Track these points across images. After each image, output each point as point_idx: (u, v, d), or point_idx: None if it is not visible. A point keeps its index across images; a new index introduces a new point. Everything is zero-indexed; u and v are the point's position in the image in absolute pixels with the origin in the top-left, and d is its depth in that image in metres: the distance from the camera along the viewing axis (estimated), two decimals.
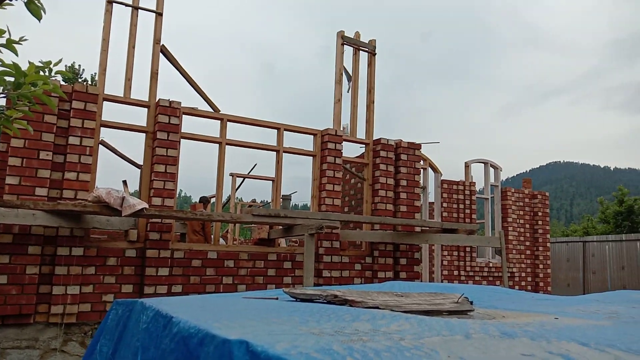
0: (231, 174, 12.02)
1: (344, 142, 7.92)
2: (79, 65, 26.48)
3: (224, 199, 14.05)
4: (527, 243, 12.05)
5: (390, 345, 0.99)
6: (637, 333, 1.27)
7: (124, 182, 11.53)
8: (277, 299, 2.12)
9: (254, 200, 19.45)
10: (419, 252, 8.24)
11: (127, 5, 6.48)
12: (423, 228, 8.16)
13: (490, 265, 11.27)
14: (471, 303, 1.89)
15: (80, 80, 26.41)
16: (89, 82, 25.58)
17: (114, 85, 6.53)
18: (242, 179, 12.26)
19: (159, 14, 6.68)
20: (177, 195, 6.70)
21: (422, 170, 11.05)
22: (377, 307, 1.67)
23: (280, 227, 6.82)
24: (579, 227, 21.64)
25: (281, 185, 7.51)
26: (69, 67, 25.64)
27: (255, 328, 1.30)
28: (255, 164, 12.20)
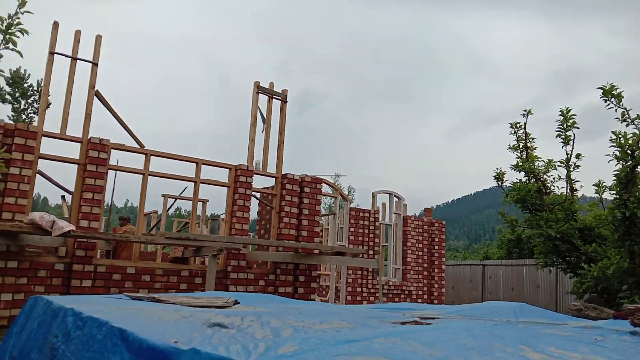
0: (163, 195, 13.14)
1: (258, 175, 9.33)
2: (25, 70, 26.86)
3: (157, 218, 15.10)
4: (425, 265, 13.77)
5: (166, 310, 2.33)
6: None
7: (63, 197, 12.44)
8: (121, 298, 3.42)
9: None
10: (316, 270, 9.69)
11: (67, 56, 7.67)
12: (321, 250, 9.63)
13: (390, 283, 12.88)
14: (237, 302, 3.26)
15: (26, 85, 26.79)
16: (35, 87, 26.07)
17: (54, 122, 7.64)
18: (173, 200, 13.39)
19: (94, 64, 7.90)
20: (104, 216, 7.80)
21: (334, 198, 12.60)
22: (174, 303, 3.01)
23: (192, 248, 8.09)
24: (482, 252, 23.98)
25: (196, 210, 8.81)
26: (14, 71, 25.94)
27: (109, 311, 2.63)
28: (186, 187, 13.34)
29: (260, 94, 9.63)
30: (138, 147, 8.28)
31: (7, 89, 26.52)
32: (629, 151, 5.97)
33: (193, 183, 8.72)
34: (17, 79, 26.97)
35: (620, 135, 6.37)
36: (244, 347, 1.46)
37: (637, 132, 6.11)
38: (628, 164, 6.06)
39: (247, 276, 8.78)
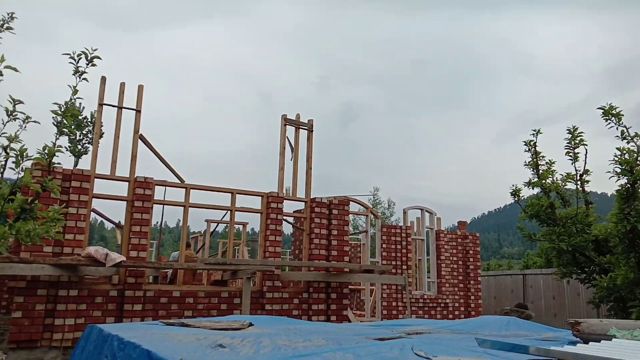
0: (206, 220, 14.08)
1: (288, 200, 10.05)
2: (80, 103, 28.96)
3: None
4: (460, 277, 14.03)
5: (188, 334, 3.00)
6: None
7: (117, 224, 13.61)
8: (157, 324, 4.13)
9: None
10: (347, 287, 10.25)
11: (113, 106, 8.68)
12: (351, 269, 10.19)
13: (425, 297, 13.24)
14: (251, 324, 3.89)
15: (80, 117, 29.07)
16: (88, 119, 28.34)
17: (106, 164, 8.63)
18: (216, 224, 14.32)
19: (137, 111, 8.88)
20: (152, 245, 8.65)
21: (365, 216, 13.16)
22: (198, 327, 3.68)
23: (230, 271, 8.85)
24: (522, 261, 23.76)
25: (232, 236, 9.60)
26: (69, 102, 28.10)
27: (143, 336, 3.34)
28: (226, 213, 14.24)
29: (287, 126, 10.38)
30: (179, 182, 9.17)
31: (59, 119, 28.75)
32: (627, 168, 6.27)
33: (229, 212, 9.53)
34: (73, 112, 29.18)
35: (624, 151, 6.66)
36: None
37: (636, 148, 6.40)
38: (630, 178, 6.35)
39: (281, 295, 9.45)
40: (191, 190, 9.11)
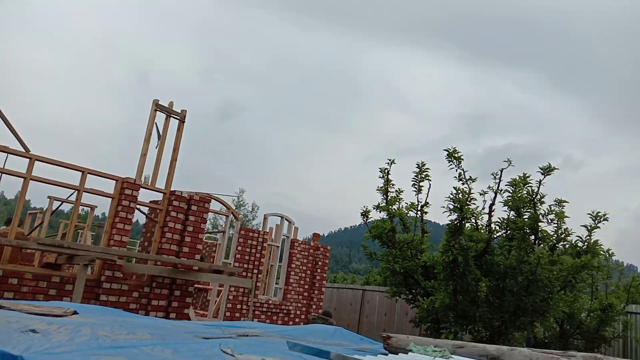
0: (49, 197, 12.91)
1: (146, 189, 9.64)
2: None
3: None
4: (306, 286, 14.60)
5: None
6: None
7: None
8: None
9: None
10: (192, 286, 10.11)
11: None
12: (200, 267, 10.07)
13: (270, 302, 13.53)
14: (75, 313, 3.73)
15: None
16: None
17: None
18: (60, 202, 13.18)
19: None
20: None
21: (225, 216, 13.11)
22: (14, 310, 3.44)
23: (65, 255, 8.23)
24: (364, 277, 25.68)
25: (75, 218, 8.95)
26: None
27: None
28: (74, 192, 13.19)
29: (158, 112, 10.00)
30: (24, 150, 8.33)
31: None
32: (458, 206, 7.15)
33: (77, 191, 8.87)
34: None
35: (459, 191, 7.56)
36: (27, 346, 2.01)
37: (468, 190, 7.33)
38: (459, 215, 7.23)
39: (120, 287, 9.01)
40: (36, 161, 8.33)
